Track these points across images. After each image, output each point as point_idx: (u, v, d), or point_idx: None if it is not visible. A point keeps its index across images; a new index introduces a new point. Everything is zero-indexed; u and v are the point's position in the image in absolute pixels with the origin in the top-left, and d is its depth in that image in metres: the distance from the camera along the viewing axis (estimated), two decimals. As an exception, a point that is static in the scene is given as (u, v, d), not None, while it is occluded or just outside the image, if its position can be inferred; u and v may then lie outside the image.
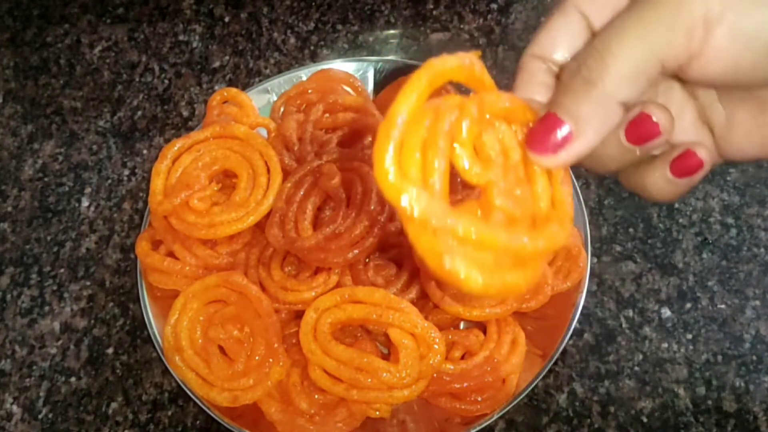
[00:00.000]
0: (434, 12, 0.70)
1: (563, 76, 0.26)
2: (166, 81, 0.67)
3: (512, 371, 0.46)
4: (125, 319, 0.55)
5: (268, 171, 0.52)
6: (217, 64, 0.68)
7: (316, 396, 0.46)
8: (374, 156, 0.23)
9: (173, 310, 0.48)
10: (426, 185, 0.23)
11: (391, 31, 0.69)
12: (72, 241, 0.59)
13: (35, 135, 0.65)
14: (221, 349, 0.48)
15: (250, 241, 0.52)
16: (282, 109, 0.58)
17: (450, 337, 0.47)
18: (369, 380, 0.44)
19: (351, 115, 0.56)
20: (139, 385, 0.52)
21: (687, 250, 0.55)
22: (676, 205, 0.57)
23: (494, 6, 0.70)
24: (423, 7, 0.70)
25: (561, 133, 0.25)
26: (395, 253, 0.50)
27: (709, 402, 0.49)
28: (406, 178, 0.23)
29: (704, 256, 0.55)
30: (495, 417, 0.45)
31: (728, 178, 0.58)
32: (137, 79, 0.68)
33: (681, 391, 0.50)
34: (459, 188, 0.48)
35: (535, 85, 0.29)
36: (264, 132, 0.57)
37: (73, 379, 0.53)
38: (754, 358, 0.51)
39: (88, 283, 0.57)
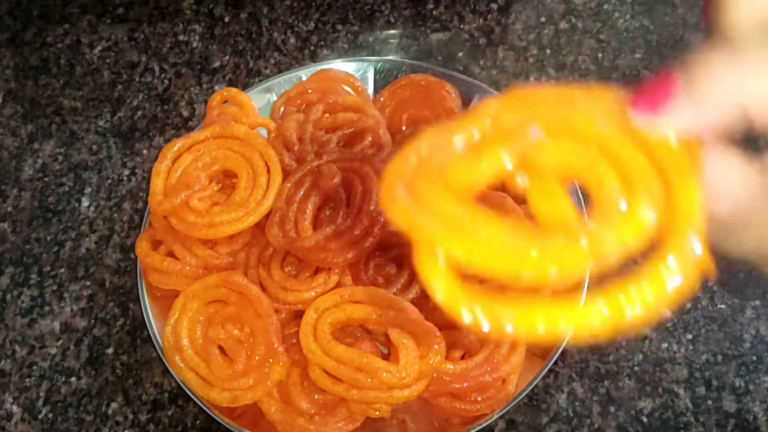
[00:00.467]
0: (434, 12, 0.70)
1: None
2: (166, 81, 0.67)
3: (512, 371, 0.46)
4: (125, 319, 0.55)
5: (268, 171, 0.52)
6: (217, 64, 0.68)
7: (316, 396, 0.46)
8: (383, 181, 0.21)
9: (173, 310, 0.48)
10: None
11: (391, 31, 0.69)
12: (72, 241, 0.59)
13: (35, 135, 0.65)
14: (221, 349, 0.48)
15: (250, 241, 0.51)
16: (282, 109, 0.58)
17: (450, 337, 0.47)
18: (369, 380, 0.44)
19: (351, 115, 0.56)
20: (139, 385, 0.52)
21: (687, 250, 0.55)
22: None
23: (494, 6, 0.70)
24: (423, 7, 0.70)
25: (673, 91, 0.20)
26: (395, 253, 0.50)
27: (709, 402, 0.49)
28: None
29: (704, 256, 0.55)
30: (495, 417, 0.45)
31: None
32: (137, 79, 0.68)
33: (681, 391, 0.50)
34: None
35: None
36: (264, 132, 0.57)
37: (73, 379, 0.53)
38: (754, 358, 0.51)
39: (88, 283, 0.57)
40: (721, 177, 0.20)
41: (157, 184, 0.51)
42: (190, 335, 0.48)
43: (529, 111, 0.22)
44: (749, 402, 0.49)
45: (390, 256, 0.50)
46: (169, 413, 0.51)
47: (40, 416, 0.52)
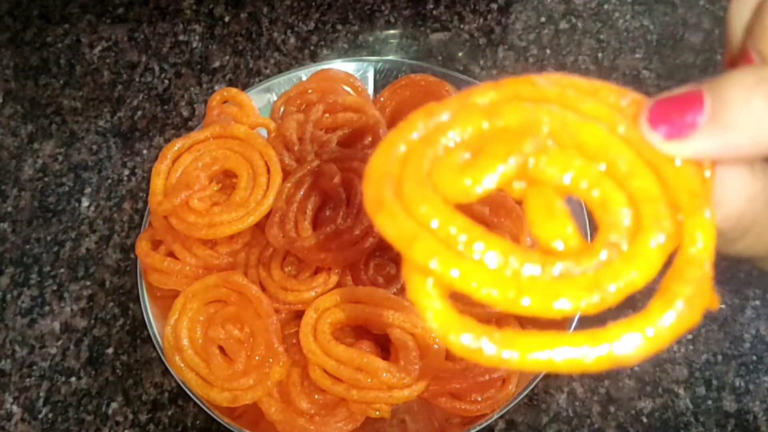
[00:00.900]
0: (434, 12, 0.70)
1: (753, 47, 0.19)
2: (166, 81, 0.67)
3: (512, 371, 0.46)
4: (125, 319, 0.55)
5: (268, 171, 0.52)
6: (217, 64, 0.68)
7: (316, 396, 0.46)
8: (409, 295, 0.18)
9: (173, 310, 0.48)
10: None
11: (391, 31, 0.69)
12: (72, 241, 0.59)
13: (35, 135, 0.65)
14: (221, 349, 0.48)
15: (250, 241, 0.52)
16: (282, 109, 0.58)
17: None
18: (369, 380, 0.44)
19: (351, 115, 0.56)
20: (139, 385, 0.52)
21: (687, 250, 0.55)
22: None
23: (494, 6, 0.70)
24: (423, 7, 0.70)
25: (695, 110, 0.18)
26: (395, 253, 0.50)
27: (709, 402, 0.49)
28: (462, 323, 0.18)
29: (704, 256, 0.55)
30: (495, 417, 0.45)
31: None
32: (137, 79, 0.68)
33: (681, 391, 0.50)
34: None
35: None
36: (264, 132, 0.57)
37: (73, 379, 0.53)
38: (754, 358, 0.51)
39: (88, 283, 0.57)
40: (724, 186, 0.19)
41: (157, 184, 0.51)
42: (190, 335, 0.48)
43: (532, 111, 0.19)
44: (749, 402, 0.49)
45: (390, 256, 0.50)
46: (169, 413, 0.51)
47: (40, 416, 0.52)
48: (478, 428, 0.45)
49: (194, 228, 0.49)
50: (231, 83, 0.67)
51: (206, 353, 0.47)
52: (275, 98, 0.59)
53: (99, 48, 0.70)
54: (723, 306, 0.53)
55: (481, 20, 0.69)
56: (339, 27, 0.70)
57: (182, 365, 0.47)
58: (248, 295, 0.47)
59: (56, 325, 0.55)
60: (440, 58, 0.67)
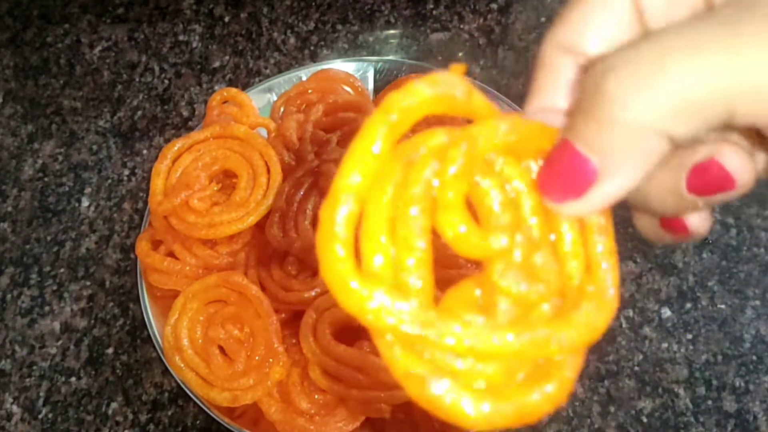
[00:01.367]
0: (434, 12, 0.70)
1: (583, 86, 0.18)
2: (166, 81, 0.67)
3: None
4: (125, 319, 0.55)
5: (268, 171, 0.52)
6: (217, 64, 0.68)
7: (316, 396, 0.46)
8: (318, 247, 0.18)
9: (173, 310, 0.48)
10: (398, 281, 0.18)
11: (391, 31, 0.69)
12: (72, 241, 0.59)
13: (35, 135, 0.65)
14: (221, 349, 0.48)
15: (250, 241, 0.52)
16: (282, 109, 0.58)
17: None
18: (369, 380, 0.44)
19: (351, 115, 0.56)
20: (139, 385, 0.52)
21: (687, 250, 0.55)
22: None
23: (494, 6, 0.70)
24: (423, 7, 0.70)
25: (583, 171, 0.18)
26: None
27: (709, 402, 0.49)
28: (368, 276, 0.17)
29: (704, 256, 0.55)
30: (495, 417, 0.45)
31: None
32: (137, 79, 0.68)
33: (681, 391, 0.50)
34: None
35: (559, 87, 0.21)
36: (264, 132, 0.57)
37: (73, 379, 0.53)
38: (754, 358, 0.51)
39: (88, 283, 0.57)
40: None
41: (157, 184, 0.51)
42: (190, 335, 0.48)
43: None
44: (749, 402, 0.49)
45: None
46: (169, 413, 0.51)
47: (40, 416, 0.52)
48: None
49: (194, 228, 0.49)
50: (231, 83, 0.67)
51: (206, 353, 0.47)
52: (275, 98, 0.59)
53: (99, 48, 0.70)
54: (723, 306, 0.53)
55: (481, 20, 0.69)
56: (339, 27, 0.70)
57: (182, 365, 0.47)
58: (248, 295, 0.47)
59: (56, 325, 0.55)
60: (440, 58, 0.67)
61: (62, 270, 0.57)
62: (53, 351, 0.54)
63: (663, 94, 0.17)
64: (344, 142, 0.55)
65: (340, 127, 0.56)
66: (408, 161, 0.18)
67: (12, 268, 0.58)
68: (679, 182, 0.20)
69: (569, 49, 0.21)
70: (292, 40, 0.69)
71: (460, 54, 0.67)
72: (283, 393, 0.47)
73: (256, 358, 0.46)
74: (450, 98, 0.18)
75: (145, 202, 0.60)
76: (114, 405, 0.52)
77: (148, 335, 0.50)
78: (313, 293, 0.47)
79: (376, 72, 0.60)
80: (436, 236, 0.18)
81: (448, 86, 0.19)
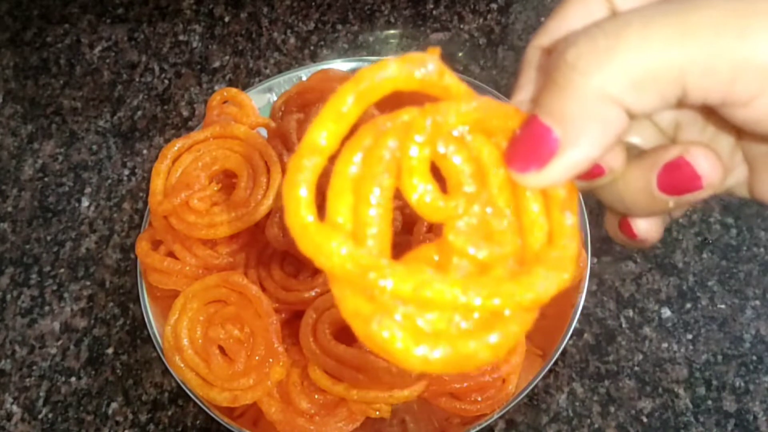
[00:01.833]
0: (434, 12, 0.70)
1: (549, 64, 0.20)
2: (166, 81, 0.67)
3: (512, 371, 0.46)
4: (125, 319, 0.55)
5: (268, 171, 0.52)
6: (217, 64, 0.68)
7: (316, 396, 0.46)
8: (283, 194, 0.19)
9: (173, 310, 0.48)
10: (357, 232, 0.19)
11: (391, 31, 0.69)
12: (72, 241, 0.59)
13: (35, 135, 0.65)
14: (221, 349, 0.48)
15: (250, 241, 0.51)
16: (282, 109, 0.58)
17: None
18: (369, 380, 0.44)
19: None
20: (139, 385, 0.52)
21: (687, 250, 0.55)
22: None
23: (494, 6, 0.70)
24: (423, 7, 0.70)
25: (545, 141, 0.19)
26: (395, 252, 0.50)
27: (709, 402, 0.49)
28: (329, 227, 0.19)
29: (704, 256, 0.55)
30: (495, 417, 0.45)
31: (728, 178, 0.58)
32: (137, 79, 0.68)
33: (681, 391, 0.50)
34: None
35: (539, 81, 0.23)
36: (264, 132, 0.57)
37: (73, 379, 0.53)
38: (754, 358, 0.51)
39: (88, 283, 0.57)
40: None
41: (157, 184, 0.51)
42: (190, 335, 0.48)
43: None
44: (749, 402, 0.49)
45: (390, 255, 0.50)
46: (169, 413, 0.51)
47: (40, 416, 0.52)
48: (478, 428, 0.45)
49: (194, 228, 0.49)
50: (231, 83, 0.67)
51: (206, 353, 0.47)
52: (275, 98, 0.59)
53: (99, 48, 0.70)
54: (723, 306, 0.53)
55: (481, 20, 0.69)
56: (339, 27, 0.70)
57: (182, 365, 0.47)
58: (248, 295, 0.47)
59: (56, 325, 0.55)
60: (441, 58, 0.67)
61: (62, 270, 0.57)
62: (53, 351, 0.54)
63: (618, 64, 0.18)
64: (344, 141, 0.55)
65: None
66: (379, 131, 0.19)
67: (12, 268, 0.58)
68: (650, 181, 0.20)
69: (549, 49, 0.22)
70: (292, 40, 0.69)
71: (460, 54, 0.67)
72: (283, 393, 0.47)
73: (256, 358, 0.46)
74: (420, 76, 0.20)
75: (145, 202, 0.60)
76: (114, 405, 0.52)
77: (148, 335, 0.50)
78: (313, 293, 0.47)
79: (376, 72, 0.60)
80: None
81: (419, 64, 0.20)
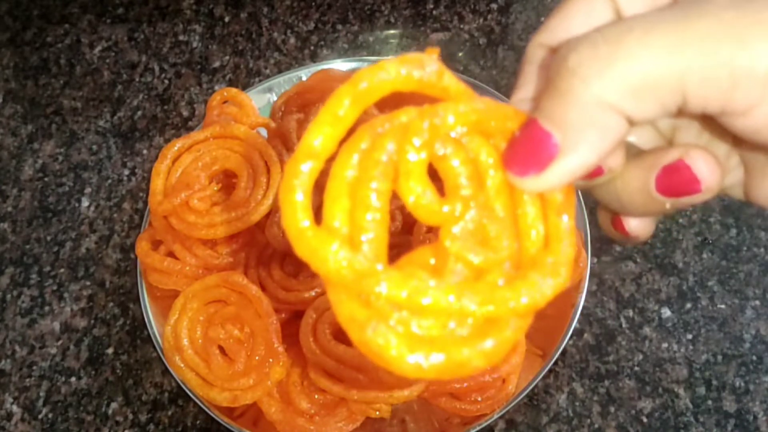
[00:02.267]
0: (434, 12, 0.70)
1: (551, 68, 0.20)
2: (166, 81, 0.67)
3: (512, 371, 0.46)
4: (125, 319, 0.55)
5: (268, 171, 0.52)
6: (217, 64, 0.68)
7: (316, 396, 0.46)
8: (280, 198, 0.19)
9: (173, 310, 0.48)
10: (353, 237, 0.19)
11: (391, 31, 0.69)
12: (72, 241, 0.59)
13: (35, 135, 0.65)
14: (221, 349, 0.48)
15: (250, 241, 0.51)
16: (282, 109, 0.58)
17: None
18: (369, 380, 0.44)
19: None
20: (139, 385, 0.52)
21: (687, 250, 0.55)
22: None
23: (494, 6, 0.70)
24: (423, 7, 0.70)
25: (545, 145, 0.19)
26: (395, 252, 0.50)
27: (709, 402, 0.49)
28: (326, 231, 0.19)
29: (704, 256, 0.55)
30: (495, 417, 0.45)
31: (728, 178, 0.58)
32: (137, 79, 0.68)
33: (681, 391, 0.50)
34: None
35: (540, 81, 0.23)
36: (264, 132, 0.57)
37: (73, 379, 0.53)
38: (754, 358, 0.51)
39: (88, 283, 0.57)
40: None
41: (157, 184, 0.51)
42: (190, 335, 0.48)
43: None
44: (749, 402, 0.49)
45: (389, 255, 0.50)
46: (169, 413, 0.51)
47: (40, 416, 0.52)
48: (478, 428, 0.45)
49: (194, 228, 0.49)
50: (231, 83, 0.67)
51: (206, 353, 0.47)
52: (275, 98, 0.59)
53: (99, 48, 0.70)
54: (723, 306, 0.53)
55: (481, 20, 0.69)
56: (339, 27, 0.70)
57: (182, 365, 0.47)
58: (248, 295, 0.47)
59: (56, 325, 0.55)
60: (440, 58, 0.66)
61: (62, 270, 0.57)
62: (53, 351, 0.54)
63: (618, 71, 0.18)
64: (344, 141, 0.55)
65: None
66: (377, 133, 0.19)
67: (12, 268, 0.58)
68: (649, 182, 0.21)
69: (551, 47, 0.22)
70: (292, 40, 0.69)
71: (460, 54, 0.67)
72: (283, 393, 0.47)
73: (256, 358, 0.46)
74: (419, 77, 0.19)
75: (145, 202, 0.60)
76: (114, 405, 0.52)
77: (148, 335, 0.50)
78: (313, 293, 0.48)
79: (376, 72, 0.60)
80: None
81: (418, 65, 0.19)
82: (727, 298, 0.53)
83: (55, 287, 0.57)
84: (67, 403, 0.52)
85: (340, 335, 0.47)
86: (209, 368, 0.47)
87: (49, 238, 0.59)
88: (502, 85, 0.63)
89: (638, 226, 0.23)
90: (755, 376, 0.50)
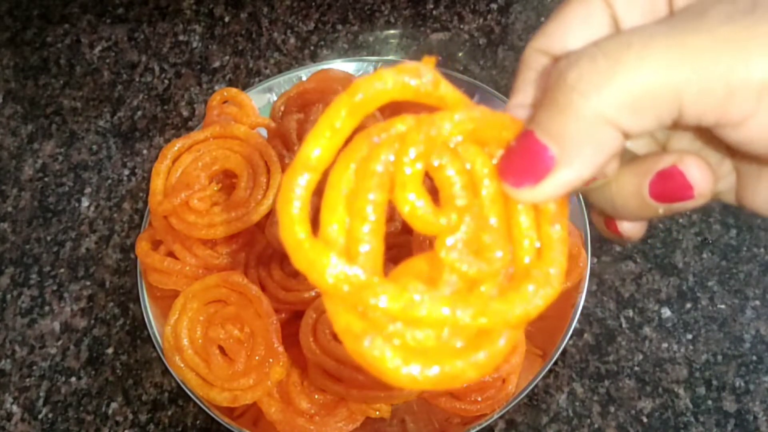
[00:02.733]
0: (434, 12, 0.70)
1: (549, 77, 0.20)
2: (166, 81, 0.67)
3: (512, 371, 0.46)
4: (125, 319, 0.55)
5: (268, 171, 0.52)
6: (217, 64, 0.68)
7: (316, 396, 0.46)
8: (278, 210, 0.19)
9: (173, 310, 0.48)
10: (349, 248, 0.19)
11: (391, 31, 0.69)
12: (72, 241, 0.59)
13: (35, 135, 0.65)
14: (221, 349, 0.48)
15: (250, 241, 0.52)
16: (282, 109, 0.58)
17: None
18: (369, 380, 0.44)
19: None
20: (139, 385, 0.52)
21: (687, 250, 0.55)
22: (676, 205, 0.57)
23: (494, 6, 0.70)
24: (423, 7, 0.70)
25: (541, 158, 0.19)
26: (395, 253, 0.50)
27: (709, 402, 0.49)
28: (322, 241, 0.19)
29: (704, 256, 0.55)
30: (495, 417, 0.45)
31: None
32: (137, 79, 0.68)
33: (681, 391, 0.50)
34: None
35: (537, 88, 0.23)
36: (264, 132, 0.57)
37: (73, 379, 0.53)
38: (754, 358, 0.51)
39: (88, 283, 0.57)
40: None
41: (157, 184, 0.51)
42: (190, 335, 0.48)
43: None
44: (749, 402, 0.49)
45: (390, 255, 0.50)
46: (169, 413, 0.51)
47: (40, 416, 0.52)
48: (478, 428, 0.45)
49: (194, 228, 0.49)
50: (231, 83, 0.67)
51: (206, 353, 0.47)
52: (275, 98, 0.59)
53: (99, 48, 0.70)
54: (723, 306, 0.53)
55: (481, 20, 0.69)
56: (339, 27, 0.69)
57: (182, 365, 0.47)
58: (248, 295, 0.47)
59: (56, 325, 0.55)
60: (440, 58, 0.67)
61: (62, 270, 0.57)
62: (53, 351, 0.54)
63: (618, 86, 0.18)
64: (344, 142, 0.55)
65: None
66: (373, 143, 0.20)
67: (12, 268, 0.58)
68: (642, 187, 0.21)
69: (549, 54, 0.22)
70: (292, 40, 0.69)
71: (460, 54, 0.67)
72: (283, 393, 0.47)
73: (256, 358, 0.46)
74: (416, 86, 0.20)
75: (145, 202, 0.60)
76: (114, 405, 0.52)
77: (148, 335, 0.50)
78: (313, 293, 0.48)
79: (376, 72, 0.60)
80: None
81: (414, 75, 0.19)
82: (727, 298, 0.53)
83: (55, 287, 0.57)
84: (67, 403, 0.52)
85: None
86: (209, 368, 0.47)
87: (49, 238, 0.59)
88: (502, 85, 0.63)
89: (631, 228, 0.24)
90: (755, 376, 0.50)
